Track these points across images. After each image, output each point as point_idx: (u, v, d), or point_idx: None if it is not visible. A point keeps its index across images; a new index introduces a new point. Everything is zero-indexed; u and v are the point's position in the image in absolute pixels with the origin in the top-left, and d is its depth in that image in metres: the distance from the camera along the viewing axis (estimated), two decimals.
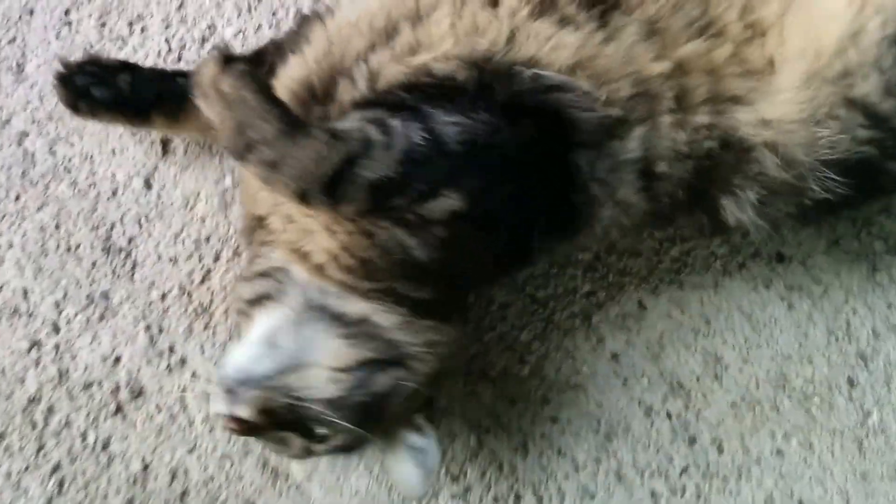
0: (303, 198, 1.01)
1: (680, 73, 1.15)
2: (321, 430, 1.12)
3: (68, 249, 1.46)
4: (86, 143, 1.48)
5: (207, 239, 1.48)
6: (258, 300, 1.16)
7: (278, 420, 1.09)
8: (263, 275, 1.17)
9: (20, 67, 1.51)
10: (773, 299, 1.62)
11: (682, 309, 1.60)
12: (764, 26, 1.18)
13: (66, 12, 1.52)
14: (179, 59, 1.51)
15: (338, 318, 1.12)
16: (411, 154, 1.02)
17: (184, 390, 1.43)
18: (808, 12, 1.16)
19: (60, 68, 1.32)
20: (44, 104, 1.50)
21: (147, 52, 1.51)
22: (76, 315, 1.44)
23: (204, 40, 1.51)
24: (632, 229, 1.27)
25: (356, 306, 1.12)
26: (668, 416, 1.55)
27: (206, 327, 1.46)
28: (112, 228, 1.47)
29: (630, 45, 1.13)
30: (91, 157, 1.48)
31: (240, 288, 1.21)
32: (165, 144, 1.49)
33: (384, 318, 1.12)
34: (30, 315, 1.44)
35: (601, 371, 1.55)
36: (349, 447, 1.18)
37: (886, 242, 1.66)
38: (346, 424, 1.10)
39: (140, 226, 1.48)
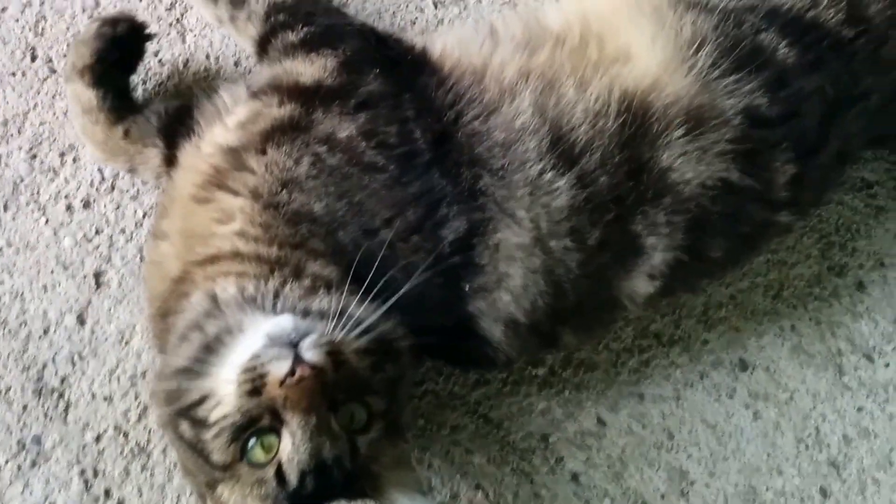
0: None
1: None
2: (364, 411, 1.10)
3: None
4: (16, 280, 1.49)
5: (144, 374, 1.47)
6: (208, 349, 1.12)
7: (338, 381, 1.06)
8: (195, 327, 1.15)
9: None
10: (738, 409, 1.62)
11: (643, 423, 1.59)
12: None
13: None
14: (112, 188, 1.52)
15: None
16: None
17: None
18: None
19: None
20: None
21: (79, 183, 1.52)
22: (6, 462, 1.43)
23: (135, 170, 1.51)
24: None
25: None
26: None
27: (143, 468, 1.45)
28: (44, 369, 1.46)
29: None
30: (21, 294, 1.48)
31: (172, 360, 1.16)
32: (98, 277, 1.50)
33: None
34: None
35: (562, 493, 1.54)
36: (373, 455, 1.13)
37: (852, 343, 1.68)
38: (381, 402, 1.12)
39: (73, 364, 1.47)
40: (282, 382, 1.01)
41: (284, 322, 1.07)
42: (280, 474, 1.03)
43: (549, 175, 1.22)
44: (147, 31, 1.47)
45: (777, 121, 1.28)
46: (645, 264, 1.27)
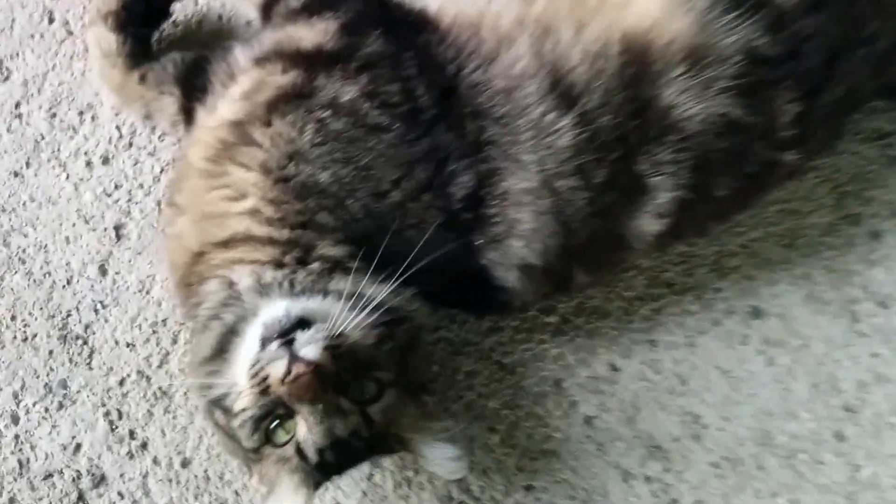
0: None
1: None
2: (373, 384, 1.20)
3: (25, 339, 1.55)
4: (40, 233, 1.58)
5: (164, 322, 1.56)
6: (226, 338, 1.23)
7: (341, 367, 1.15)
8: (214, 316, 1.26)
9: None
10: (751, 355, 1.66)
11: (655, 369, 1.64)
12: None
13: (17, 105, 1.63)
14: (130, 144, 1.61)
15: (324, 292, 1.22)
16: None
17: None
18: None
19: None
20: None
21: (98, 140, 1.61)
22: (35, 405, 1.53)
23: (154, 127, 1.61)
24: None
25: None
26: (647, 479, 1.59)
27: (166, 411, 1.54)
28: (68, 316, 1.56)
29: None
30: (45, 246, 1.58)
31: (198, 351, 1.29)
32: (118, 230, 1.59)
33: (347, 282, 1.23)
34: None
35: (575, 436, 1.60)
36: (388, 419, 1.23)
37: (866, 290, 1.70)
38: (389, 373, 1.21)
39: (96, 312, 1.56)
40: (282, 381, 1.11)
41: (276, 310, 1.16)
42: (301, 452, 1.16)
43: (551, 116, 1.26)
44: None
45: (777, 60, 1.30)
46: (651, 203, 1.31)
